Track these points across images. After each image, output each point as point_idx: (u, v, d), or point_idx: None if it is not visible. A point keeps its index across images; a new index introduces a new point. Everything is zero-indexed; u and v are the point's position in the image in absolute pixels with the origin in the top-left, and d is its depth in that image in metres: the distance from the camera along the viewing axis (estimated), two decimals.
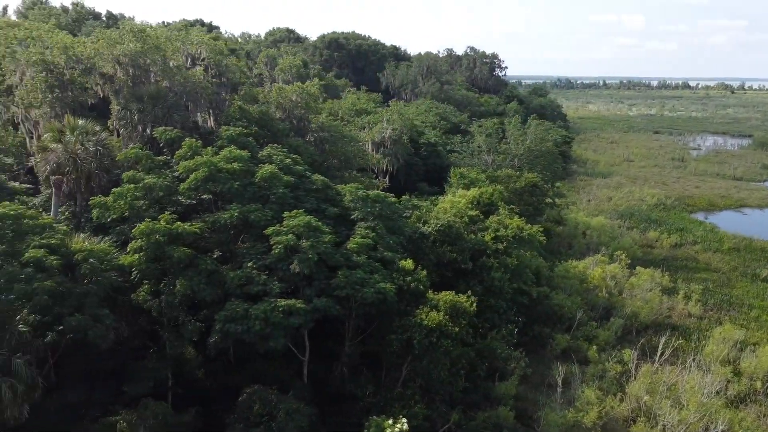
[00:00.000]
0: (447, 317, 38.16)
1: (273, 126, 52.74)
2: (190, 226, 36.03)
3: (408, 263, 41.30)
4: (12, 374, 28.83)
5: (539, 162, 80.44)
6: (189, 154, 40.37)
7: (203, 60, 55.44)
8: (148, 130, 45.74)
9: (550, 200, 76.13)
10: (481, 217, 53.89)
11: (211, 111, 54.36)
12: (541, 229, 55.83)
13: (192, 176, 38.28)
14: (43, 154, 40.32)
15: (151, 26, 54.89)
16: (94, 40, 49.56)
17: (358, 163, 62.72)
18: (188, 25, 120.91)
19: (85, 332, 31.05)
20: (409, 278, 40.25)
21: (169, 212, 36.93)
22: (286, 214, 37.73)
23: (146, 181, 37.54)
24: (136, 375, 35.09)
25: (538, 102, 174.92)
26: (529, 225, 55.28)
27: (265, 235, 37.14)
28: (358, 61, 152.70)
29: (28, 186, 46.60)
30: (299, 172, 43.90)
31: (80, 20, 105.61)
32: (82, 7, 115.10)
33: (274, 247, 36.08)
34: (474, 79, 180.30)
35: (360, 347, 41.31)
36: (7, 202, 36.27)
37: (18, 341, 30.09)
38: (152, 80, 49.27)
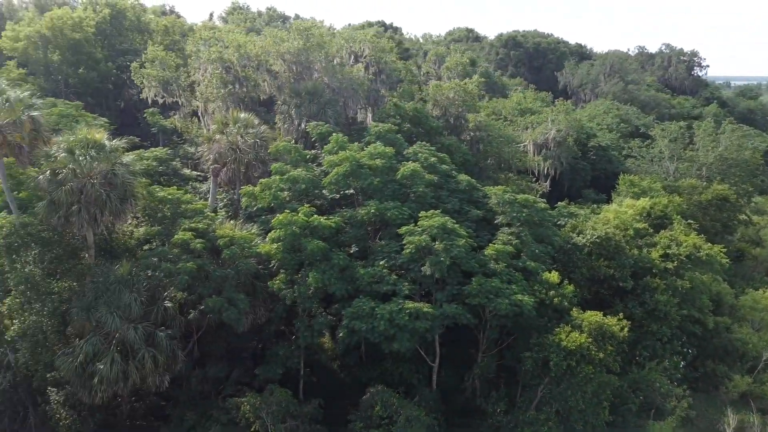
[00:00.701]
0: (591, 340, 34.07)
1: (427, 123, 51.76)
2: (326, 219, 36.29)
3: (553, 276, 37.70)
4: (155, 345, 31.21)
5: (734, 173, 69.71)
6: (335, 149, 40.83)
7: (365, 57, 56.21)
8: (303, 125, 47.38)
9: (746, 217, 65.60)
10: (650, 231, 47.71)
11: (369, 107, 54.94)
12: (724, 250, 47.95)
13: (334, 171, 38.60)
14: (208, 144, 43.50)
15: (317, 25, 57.03)
16: (264, 39, 52.61)
17: (516, 165, 59.40)
18: (367, 25, 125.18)
19: (221, 313, 32.67)
20: (552, 292, 36.72)
21: (309, 205, 37.60)
22: (422, 213, 36.43)
23: (291, 173, 38.60)
24: (269, 360, 36.34)
25: (746, 105, 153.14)
26: (710, 244, 47.76)
27: (401, 234, 36.25)
28: (535, 59, 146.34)
29: (200, 173, 50.81)
30: (444, 172, 42.30)
31: (271, 23, 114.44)
32: (274, 11, 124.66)
33: (405, 246, 35.00)
34: (668, 79, 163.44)
35: (495, 360, 38.76)
36: (174, 188, 39.80)
37: (164, 316, 32.50)
38: (314, 77, 50.97)
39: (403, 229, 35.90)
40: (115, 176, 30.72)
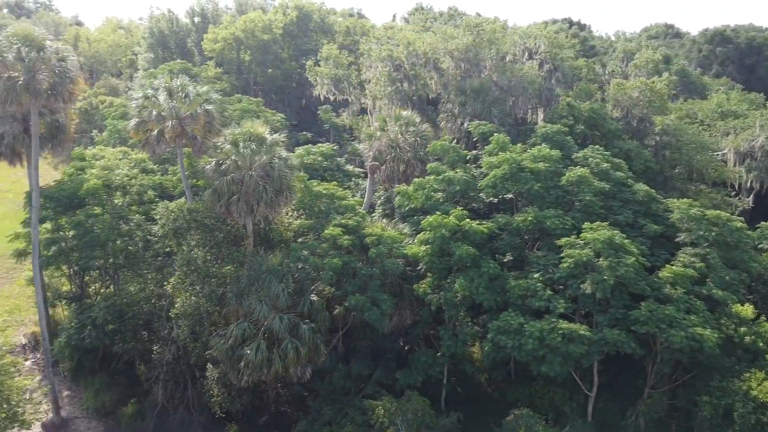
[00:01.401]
0: None
1: (604, 125, 46.94)
2: (479, 224, 34.17)
3: (746, 309, 31.74)
4: (298, 337, 31.66)
5: None
6: (495, 150, 38.49)
7: (539, 54, 52.71)
8: (465, 124, 45.58)
9: None
10: None
11: (539, 107, 51.47)
12: None
13: (492, 173, 36.32)
14: (369, 141, 43.63)
15: (489, 21, 54.69)
16: (433, 36, 51.68)
17: (710, 176, 51.61)
18: (551, 23, 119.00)
19: (363, 312, 32.23)
20: (743, 329, 30.91)
21: (463, 208, 35.77)
22: (586, 225, 32.73)
23: (446, 174, 37.07)
24: (411, 365, 35.27)
25: None
26: None
27: (560, 245, 32.96)
28: (747, 56, 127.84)
29: (363, 170, 51.39)
30: (618, 179, 37.80)
31: (449, 22, 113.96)
32: (455, 10, 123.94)
33: (564, 260, 31.65)
34: None
35: (666, 398, 33.70)
36: (333, 183, 40.48)
37: (310, 309, 32.88)
38: (482, 74, 48.90)
39: (563, 240, 32.56)
40: (272, 169, 31.69)
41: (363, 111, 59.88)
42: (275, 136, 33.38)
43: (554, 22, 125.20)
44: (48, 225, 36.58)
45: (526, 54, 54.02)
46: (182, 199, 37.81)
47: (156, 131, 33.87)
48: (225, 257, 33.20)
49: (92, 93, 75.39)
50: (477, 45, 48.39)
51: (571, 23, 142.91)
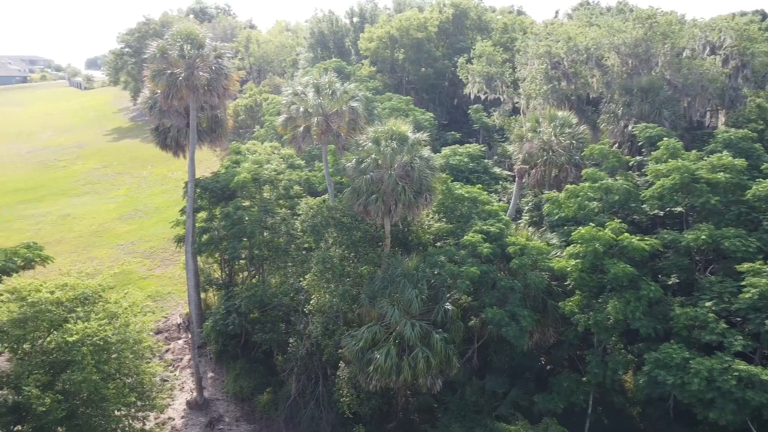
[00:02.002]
0: None
1: None
2: (640, 240, 30.18)
3: None
4: (430, 346, 30.13)
5: None
6: (664, 156, 33.92)
7: (724, 48, 46.10)
8: (630, 127, 40.94)
9: None
10: None
11: (721, 109, 45.03)
12: None
13: (659, 183, 31.98)
14: (519, 142, 40.86)
15: (664, 12, 48.80)
16: (596, 30, 47.28)
17: None
18: (740, 14, 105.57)
19: (500, 327, 29.90)
20: None
21: (621, 220, 31.89)
22: None
23: (604, 181, 33.34)
24: (551, 388, 32.31)
25: None
26: None
27: (741, 271, 28.03)
28: None
29: (512, 173, 48.57)
30: None
31: (618, 17, 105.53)
32: (625, 4, 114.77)
33: (746, 289, 26.79)
34: None
35: None
36: (478, 186, 38.40)
37: (444, 318, 31.21)
38: (652, 72, 43.78)
39: (746, 266, 27.63)
40: (412, 169, 30.46)
41: (515, 111, 56.82)
42: (418, 135, 32.09)
43: (743, 14, 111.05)
44: (203, 214, 38.71)
45: (708, 49, 47.56)
46: (325, 196, 38.08)
47: (302, 127, 34.27)
48: (361, 257, 32.62)
49: (257, 91, 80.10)
50: (648, 39, 43.35)
51: (764, 15, 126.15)
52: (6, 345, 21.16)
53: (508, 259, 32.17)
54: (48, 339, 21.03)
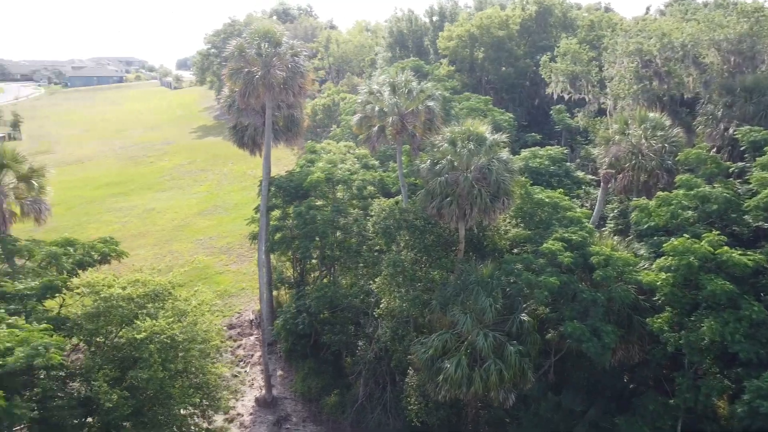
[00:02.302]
0: None
1: None
2: (742, 254, 27.42)
3: None
4: (503, 358, 28.64)
5: None
6: None
7: None
8: (731, 130, 37.57)
9: None
10: None
11: None
12: None
13: (765, 192, 28.99)
14: (605, 145, 38.42)
15: None
16: (694, 26, 43.85)
17: None
18: None
19: (580, 342, 27.98)
20: None
21: (720, 232, 29.13)
22: None
23: (701, 189, 30.62)
24: (635, 411, 30.01)
25: None
26: None
27: None
28: None
29: (596, 178, 45.99)
30: None
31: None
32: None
33: None
34: None
35: None
36: (559, 191, 36.44)
37: (519, 329, 29.61)
38: (758, 69, 40.09)
39: None
40: (489, 171, 29.02)
41: (601, 112, 53.91)
42: (496, 136, 30.60)
43: None
44: (277, 212, 38.83)
45: None
46: (398, 197, 37.29)
47: (377, 127, 33.56)
48: (433, 262, 31.53)
49: (335, 91, 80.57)
50: (754, 34, 39.69)
51: None
52: (81, 338, 21.75)
53: (591, 270, 30.13)
54: (120, 333, 21.42)
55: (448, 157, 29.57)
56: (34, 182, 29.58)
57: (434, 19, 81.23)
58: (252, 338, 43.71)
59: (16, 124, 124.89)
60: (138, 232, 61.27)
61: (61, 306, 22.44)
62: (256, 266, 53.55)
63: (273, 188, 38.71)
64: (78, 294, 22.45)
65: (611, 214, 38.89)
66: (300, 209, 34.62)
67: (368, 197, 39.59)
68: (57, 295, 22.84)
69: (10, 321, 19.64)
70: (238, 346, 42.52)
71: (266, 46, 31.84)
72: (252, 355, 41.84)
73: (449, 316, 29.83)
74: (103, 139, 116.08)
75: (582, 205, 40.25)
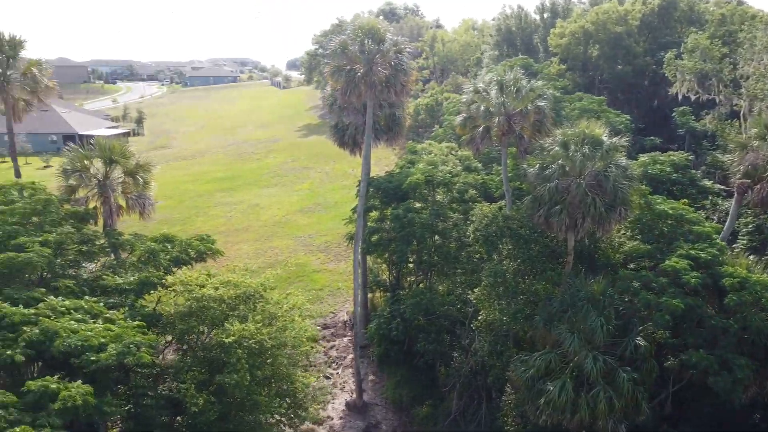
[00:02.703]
0: None
1: None
2: None
3: None
4: (613, 385, 25.91)
5: None
6: None
7: None
8: None
9: None
10: None
11: None
12: None
13: None
14: (740, 152, 34.18)
15: None
16: None
17: None
18: None
19: (706, 375, 24.73)
20: None
21: None
22: None
23: None
24: None
25: None
26: None
27: None
28: None
29: (725, 188, 41.42)
30: None
31: None
32: None
33: None
34: None
35: None
36: (683, 201, 32.92)
37: (633, 354, 26.70)
38: None
39: None
40: (606, 178, 26.32)
41: (733, 114, 48.62)
42: (614, 139, 27.78)
43: None
44: (375, 214, 37.96)
45: None
46: (501, 202, 35.26)
47: (482, 128, 31.68)
48: (538, 274, 29.24)
49: (439, 90, 79.12)
50: None
51: None
52: (173, 336, 21.86)
53: (721, 293, 26.65)
54: (212, 334, 21.26)
55: (560, 161, 27.14)
56: (139, 177, 30.41)
57: (545, 15, 77.58)
58: (345, 340, 43.23)
59: (140, 121, 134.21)
60: (241, 227, 62.99)
61: (156, 302, 22.70)
62: (352, 266, 53.30)
63: (371, 189, 37.88)
64: (173, 291, 22.60)
65: (744, 230, 34.64)
66: (398, 212, 33.43)
67: (469, 201, 37.80)
68: (152, 291, 23.13)
69: (108, 315, 20.04)
70: (332, 347, 42.18)
71: (369, 42, 30.90)
72: (344, 357, 41.33)
73: (554, 334, 27.46)
74: (215, 136, 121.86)
75: (708, 218, 36.23)
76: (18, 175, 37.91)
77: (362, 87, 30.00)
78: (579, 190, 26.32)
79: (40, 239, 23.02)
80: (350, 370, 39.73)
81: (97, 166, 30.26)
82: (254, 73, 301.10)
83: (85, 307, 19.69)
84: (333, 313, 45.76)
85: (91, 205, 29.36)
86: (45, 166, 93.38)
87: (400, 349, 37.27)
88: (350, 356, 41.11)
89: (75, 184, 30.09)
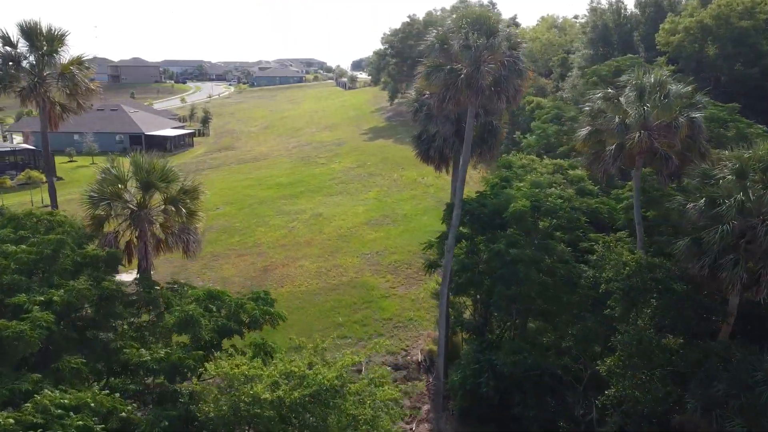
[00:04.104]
0: None
1: None
2: None
3: None
4: None
5: None
6: None
7: None
8: None
9: None
10: None
11: None
12: None
13: None
14: None
15: None
16: None
17: None
18: None
19: None
20: None
21: None
22: None
23: None
24: None
25: None
26: None
27: None
28: None
29: None
30: None
31: None
32: None
33: None
34: None
35: None
36: None
37: None
38: None
39: None
40: None
41: None
42: None
43: None
44: (463, 243, 31.46)
45: None
46: (621, 234, 28.27)
47: (614, 144, 24.66)
48: (687, 342, 22.03)
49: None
50: None
51: None
52: None
53: None
54: None
55: (738, 196, 19.94)
56: (182, 207, 24.12)
57: (647, 10, 68.77)
58: (420, 384, 36.94)
59: (205, 121, 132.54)
60: (304, 240, 57.78)
61: (190, 395, 16.86)
62: (425, 291, 46.95)
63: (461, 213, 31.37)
64: (208, 383, 16.60)
65: None
66: (499, 247, 26.69)
67: (577, 229, 30.86)
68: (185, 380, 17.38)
69: (124, 413, 14.24)
70: (404, 394, 35.96)
71: (476, 36, 24.17)
72: (419, 408, 35.05)
73: (717, 425, 20.36)
74: (279, 137, 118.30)
75: None
76: (52, 191, 32.91)
77: (465, 91, 23.31)
78: (766, 238, 19.05)
79: (43, 298, 17.61)
80: (427, 425, 33.47)
81: (133, 190, 24.45)
82: (319, 74, 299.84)
83: (92, 405, 13.83)
84: (405, 350, 39.53)
85: (124, 240, 23.69)
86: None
87: (488, 408, 30.74)
88: (426, 407, 34.85)
89: (103, 214, 24.05)
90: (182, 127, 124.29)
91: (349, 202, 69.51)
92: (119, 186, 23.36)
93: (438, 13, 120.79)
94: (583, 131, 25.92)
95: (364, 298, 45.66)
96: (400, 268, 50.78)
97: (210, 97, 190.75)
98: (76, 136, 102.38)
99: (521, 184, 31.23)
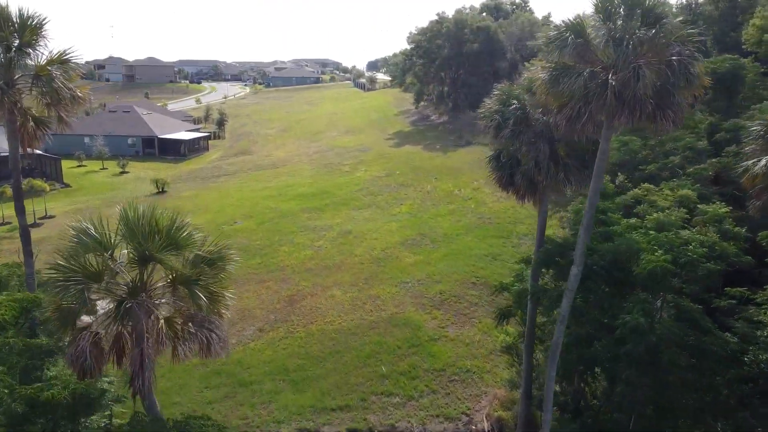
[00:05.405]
0: None
1: None
2: None
3: None
4: None
5: None
6: None
7: None
8: None
9: None
10: None
11: None
12: None
13: None
14: None
15: None
16: None
17: None
18: None
19: None
20: None
21: None
22: None
23: None
24: None
25: None
26: None
27: None
28: None
29: None
30: None
31: None
32: None
33: None
34: None
35: None
36: None
37: None
38: None
39: None
40: None
41: None
42: None
43: None
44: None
45: None
46: None
47: None
48: None
49: None
50: None
51: None
52: None
53: None
54: None
55: None
56: (200, 291, 13.92)
57: (720, 4, 60.95)
58: None
59: (221, 123, 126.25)
60: (333, 263, 50.92)
61: None
62: (481, 333, 39.85)
63: (542, 256, 24.32)
64: None
65: None
66: (636, 321, 19.22)
67: (705, 278, 23.68)
68: None
69: None
70: None
71: (631, 23, 16.75)
72: None
73: None
74: (298, 140, 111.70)
75: None
76: (26, 235, 23.56)
77: (614, 106, 15.90)
78: None
79: None
80: None
81: (123, 257, 14.35)
82: (335, 74, 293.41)
83: None
84: (467, 415, 32.40)
85: (108, 344, 15.08)
86: (121, 172, 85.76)
87: None
88: None
89: (74, 305, 13.84)
90: (197, 130, 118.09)
91: (381, 217, 62.57)
92: (103, 255, 14.36)
93: (467, 12, 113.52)
94: (763, 161, 18.51)
95: (410, 341, 38.69)
96: (448, 302, 43.74)
97: (225, 97, 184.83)
98: (86, 139, 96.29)
99: (632, 221, 24.04)
